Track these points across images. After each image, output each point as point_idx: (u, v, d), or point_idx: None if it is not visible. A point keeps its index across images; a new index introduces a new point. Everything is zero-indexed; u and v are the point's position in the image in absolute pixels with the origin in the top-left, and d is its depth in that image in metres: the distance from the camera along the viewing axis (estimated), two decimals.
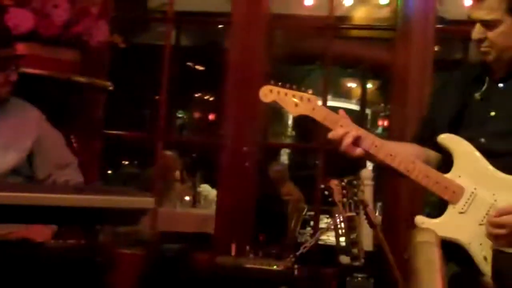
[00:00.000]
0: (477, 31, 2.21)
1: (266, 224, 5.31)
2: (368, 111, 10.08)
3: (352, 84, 10.74)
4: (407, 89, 3.92)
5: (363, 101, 9.60)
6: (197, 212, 5.62)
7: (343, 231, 3.20)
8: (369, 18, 6.37)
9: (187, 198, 5.82)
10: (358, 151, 2.23)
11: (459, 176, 2.20)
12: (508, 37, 2.19)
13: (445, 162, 2.26)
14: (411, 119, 3.87)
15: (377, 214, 5.21)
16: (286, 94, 2.28)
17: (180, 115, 11.21)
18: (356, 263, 3.04)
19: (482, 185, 2.18)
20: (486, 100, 2.28)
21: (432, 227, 2.18)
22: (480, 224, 2.15)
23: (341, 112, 2.29)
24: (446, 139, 2.24)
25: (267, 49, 4.40)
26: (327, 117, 2.25)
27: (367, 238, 3.67)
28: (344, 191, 3.16)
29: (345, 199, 3.14)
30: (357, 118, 9.70)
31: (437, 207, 2.27)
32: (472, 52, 6.98)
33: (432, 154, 2.37)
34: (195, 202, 5.90)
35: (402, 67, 3.95)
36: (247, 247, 3.32)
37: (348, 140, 2.20)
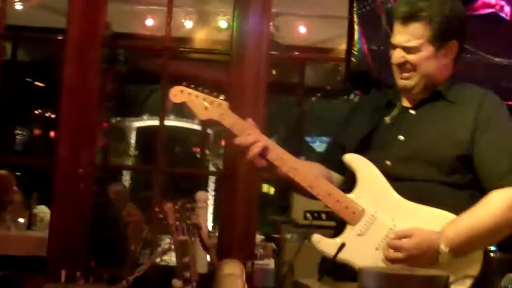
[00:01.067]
0: (397, 56, 2.21)
1: (105, 246, 5.20)
2: (210, 130, 10.13)
3: None
4: (242, 111, 3.97)
5: (215, 120, 9.60)
6: (32, 235, 5.39)
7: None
8: (209, 40, 6.44)
9: (21, 220, 5.56)
10: (263, 162, 2.17)
11: (361, 198, 2.15)
12: (429, 63, 2.20)
13: (349, 182, 2.23)
14: None
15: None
16: (197, 97, 2.22)
17: (19, 132, 10.77)
18: (188, 287, 3.04)
19: (383, 209, 2.13)
20: (396, 124, 2.26)
21: (327, 246, 2.14)
22: (377, 249, 2.10)
23: (249, 120, 2.24)
24: (351, 159, 2.20)
25: (103, 67, 4.32)
26: (236, 124, 2.21)
27: (201, 261, 3.70)
28: (177, 215, 3.16)
29: (178, 223, 3.14)
30: (199, 138, 9.72)
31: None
32: (308, 75, 7.31)
33: (335, 177, 2.34)
34: (30, 224, 5.64)
35: (237, 89, 4.03)
36: (78, 273, 3.23)
37: (256, 150, 2.14)
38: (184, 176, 7.20)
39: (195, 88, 2.25)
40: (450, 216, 2.10)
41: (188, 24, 6.31)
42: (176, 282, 3.16)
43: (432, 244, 2.04)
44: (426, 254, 2.03)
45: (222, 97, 2.26)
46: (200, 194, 3.74)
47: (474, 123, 2.17)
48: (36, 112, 10.63)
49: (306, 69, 6.92)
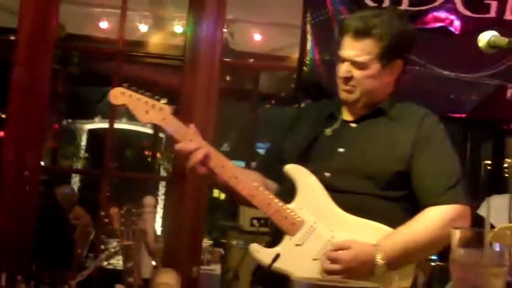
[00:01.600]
0: (345, 69, 2.23)
1: (51, 249, 5.12)
2: (162, 135, 10.05)
3: None
4: (192, 116, 4.00)
5: (157, 125, 9.54)
6: None
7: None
8: (163, 44, 6.41)
9: None
10: (204, 169, 2.15)
11: (301, 208, 2.16)
12: (373, 80, 2.23)
13: (288, 192, 2.22)
14: None
15: None
16: (138, 100, 2.19)
17: None
18: None
19: (321, 220, 2.15)
20: (336, 137, 2.28)
21: (265, 256, 2.14)
22: (314, 259, 2.12)
23: (191, 126, 2.22)
24: (292, 169, 2.21)
25: (55, 68, 4.26)
26: (178, 130, 2.19)
27: (146, 266, 3.67)
28: (123, 220, 3.13)
29: (123, 228, 3.12)
30: (151, 141, 9.67)
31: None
32: (262, 82, 7.34)
33: (271, 185, 2.33)
34: None
35: (189, 95, 4.03)
36: (19, 277, 3.17)
37: (198, 157, 2.12)
38: (134, 180, 7.14)
39: (137, 91, 2.22)
40: (386, 229, 2.14)
41: (143, 28, 6.28)
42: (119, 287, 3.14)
43: (369, 256, 2.07)
44: (362, 266, 2.06)
45: (163, 100, 2.23)
46: (147, 199, 3.73)
47: (413, 141, 2.21)
48: None
49: (260, 76, 6.94)
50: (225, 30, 4.79)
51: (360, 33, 2.21)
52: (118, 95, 2.22)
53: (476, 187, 7.87)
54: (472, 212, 2.91)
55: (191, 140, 2.16)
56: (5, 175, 3.94)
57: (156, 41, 6.42)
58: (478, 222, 2.32)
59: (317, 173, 2.21)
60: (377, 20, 2.22)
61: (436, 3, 3.92)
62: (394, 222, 2.15)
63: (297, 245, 2.14)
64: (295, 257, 2.12)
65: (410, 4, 3.91)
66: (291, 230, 2.15)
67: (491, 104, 3.94)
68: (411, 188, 2.21)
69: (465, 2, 3.91)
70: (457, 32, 3.97)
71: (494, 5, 3.88)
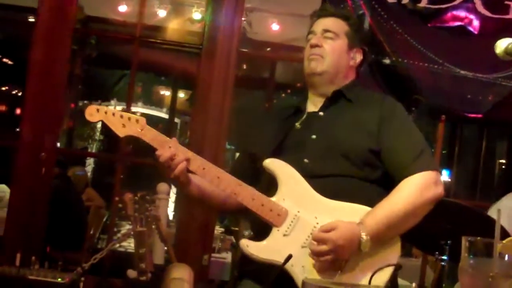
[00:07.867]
0: (317, 38, 2.40)
1: (63, 229, 5.19)
2: (177, 120, 10.05)
3: (165, 92, 10.68)
4: (209, 103, 4.03)
5: (173, 110, 9.58)
6: None
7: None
8: (181, 30, 6.42)
9: None
10: (186, 172, 2.24)
11: (283, 199, 2.24)
12: (339, 53, 2.41)
13: (268, 186, 2.29)
14: (210, 131, 4.00)
15: None
16: (113, 115, 2.27)
17: None
18: (143, 278, 3.06)
19: (305, 208, 2.23)
20: (306, 127, 2.39)
21: (256, 250, 2.21)
22: (303, 247, 2.19)
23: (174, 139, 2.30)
24: (271, 163, 2.28)
25: (73, 49, 4.28)
26: (156, 139, 2.25)
27: (158, 252, 3.72)
28: (137, 206, 3.17)
29: (137, 214, 3.16)
30: (166, 127, 9.69)
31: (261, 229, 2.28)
32: (279, 71, 7.33)
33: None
34: None
35: (205, 82, 4.06)
36: (33, 257, 3.21)
37: (180, 158, 2.20)
38: (149, 165, 7.18)
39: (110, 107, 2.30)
40: (366, 209, 2.22)
41: (162, 13, 6.29)
42: (131, 272, 3.18)
43: (355, 234, 2.14)
44: (349, 244, 2.14)
45: (139, 113, 2.30)
46: (161, 186, 3.76)
47: (379, 119, 2.34)
48: (3, 88, 10.55)
49: (277, 66, 6.94)
50: (243, 19, 4.80)
51: (332, 13, 2.47)
52: (94, 113, 2.29)
53: (490, 185, 7.87)
54: (483, 212, 2.94)
55: (170, 147, 2.24)
56: (22, 156, 3.98)
57: (174, 27, 6.42)
58: (488, 225, 2.34)
59: (296, 161, 2.29)
60: (344, 8, 2.62)
61: (456, 2, 3.91)
62: (373, 204, 2.23)
63: (284, 235, 2.22)
64: (284, 246, 2.18)
65: (430, 2, 3.91)
66: (277, 222, 2.23)
67: (507, 105, 3.95)
68: (384, 167, 2.32)
69: (484, 2, 3.90)
70: (475, 32, 3.96)
71: None
